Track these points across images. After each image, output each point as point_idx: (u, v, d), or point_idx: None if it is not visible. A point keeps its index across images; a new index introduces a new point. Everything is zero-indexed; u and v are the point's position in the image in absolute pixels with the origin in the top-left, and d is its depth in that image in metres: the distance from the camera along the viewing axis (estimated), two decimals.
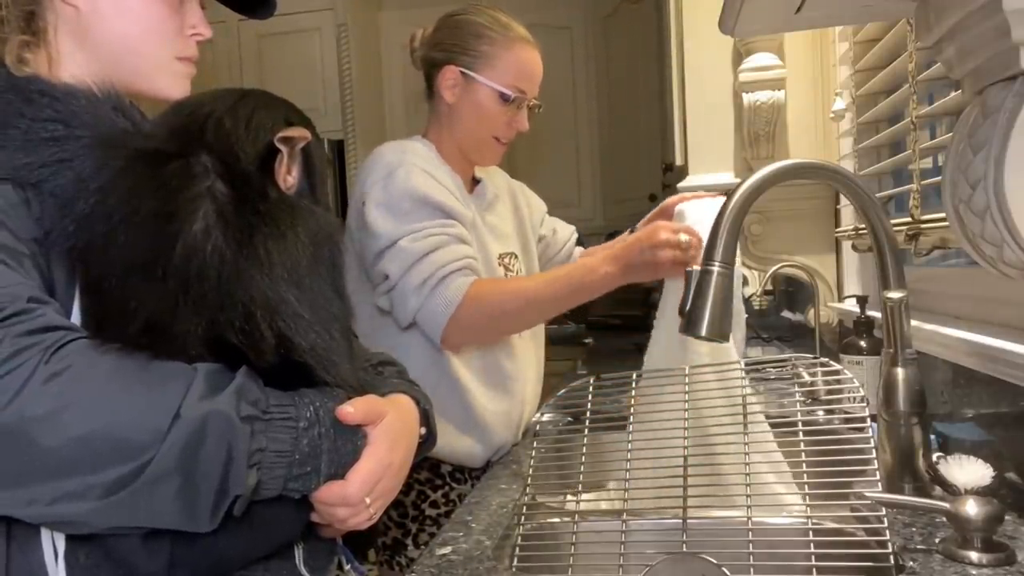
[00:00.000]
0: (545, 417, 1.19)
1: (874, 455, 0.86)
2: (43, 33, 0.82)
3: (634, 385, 1.07)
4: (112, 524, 0.67)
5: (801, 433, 0.92)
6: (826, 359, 1.04)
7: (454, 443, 1.37)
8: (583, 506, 1.06)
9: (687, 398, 1.00)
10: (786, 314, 2.59)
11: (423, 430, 0.91)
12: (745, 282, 2.04)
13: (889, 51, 1.52)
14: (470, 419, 1.39)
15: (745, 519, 0.87)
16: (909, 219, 1.30)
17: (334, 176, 3.42)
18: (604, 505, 1.09)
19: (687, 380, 1.03)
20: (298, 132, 0.80)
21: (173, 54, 0.88)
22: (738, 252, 1.10)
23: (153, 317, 0.69)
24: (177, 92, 0.88)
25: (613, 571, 0.88)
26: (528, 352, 1.52)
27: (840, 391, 1.07)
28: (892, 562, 0.77)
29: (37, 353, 0.62)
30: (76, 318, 0.72)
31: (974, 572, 0.76)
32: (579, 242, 1.70)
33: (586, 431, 1.04)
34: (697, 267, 0.97)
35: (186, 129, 0.77)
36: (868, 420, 0.90)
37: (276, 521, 0.74)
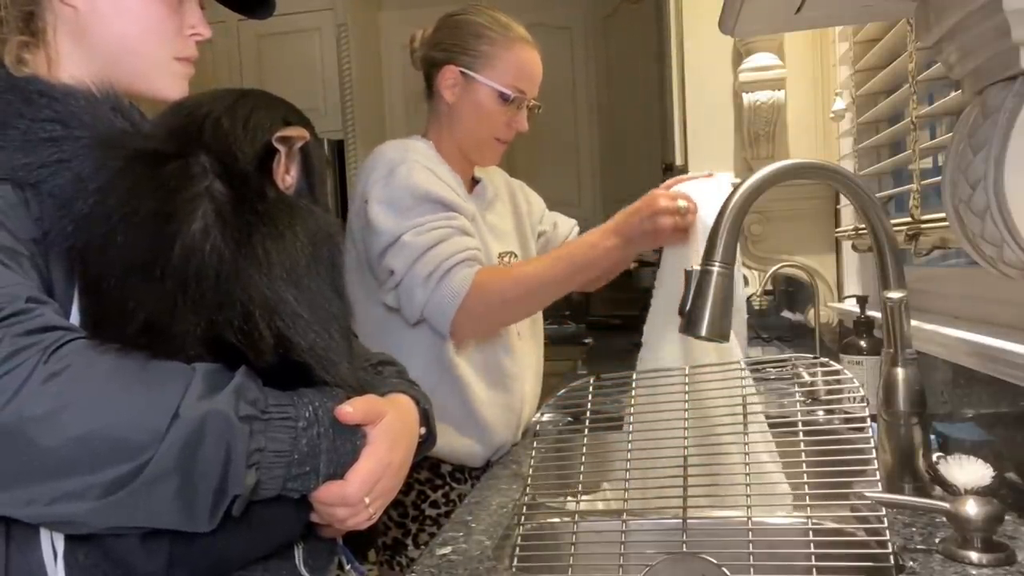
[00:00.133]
0: (545, 417, 1.19)
1: (874, 455, 0.85)
2: (42, 33, 0.82)
3: (634, 385, 1.07)
4: (111, 524, 0.66)
5: (801, 433, 0.92)
6: (826, 359, 1.04)
7: (454, 442, 1.37)
8: (583, 506, 1.06)
9: (687, 398, 1.00)
10: (786, 314, 2.59)
11: (423, 430, 0.91)
12: (745, 282, 2.04)
13: (889, 51, 1.52)
14: (471, 418, 1.39)
15: (745, 519, 0.87)
16: (909, 219, 1.30)
17: (334, 176, 3.41)
18: (604, 505, 1.09)
19: (687, 380, 1.03)
20: (296, 132, 0.80)
21: (172, 54, 0.88)
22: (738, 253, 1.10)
23: (152, 317, 0.69)
24: (176, 92, 0.88)
25: (613, 571, 0.88)
26: (528, 351, 1.52)
27: (840, 391, 1.07)
28: (892, 562, 0.77)
29: (36, 353, 0.62)
30: (75, 318, 0.72)
31: (974, 572, 0.76)
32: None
33: (586, 431, 1.04)
34: (697, 267, 0.97)
35: (184, 129, 0.77)
36: (868, 420, 0.90)
37: (275, 521, 0.74)
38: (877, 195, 1.19)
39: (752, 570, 0.81)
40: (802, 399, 1.05)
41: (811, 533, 0.82)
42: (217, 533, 0.68)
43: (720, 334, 0.96)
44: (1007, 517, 0.84)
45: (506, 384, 1.44)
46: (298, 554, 0.81)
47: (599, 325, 3.63)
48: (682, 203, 1.21)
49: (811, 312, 1.98)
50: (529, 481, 1.02)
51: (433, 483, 1.42)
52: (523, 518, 0.98)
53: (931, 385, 1.12)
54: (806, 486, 0.87)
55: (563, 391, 1.12)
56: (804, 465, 0.89)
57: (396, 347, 1.31)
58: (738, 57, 2.01)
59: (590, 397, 1.08)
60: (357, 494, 0.74)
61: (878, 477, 0.84)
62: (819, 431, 0.95)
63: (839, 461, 0.87)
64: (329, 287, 0.77)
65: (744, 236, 2.04)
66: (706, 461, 0.97)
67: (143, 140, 0.76)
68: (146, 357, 0.67)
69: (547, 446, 1.16)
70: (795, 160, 1.38)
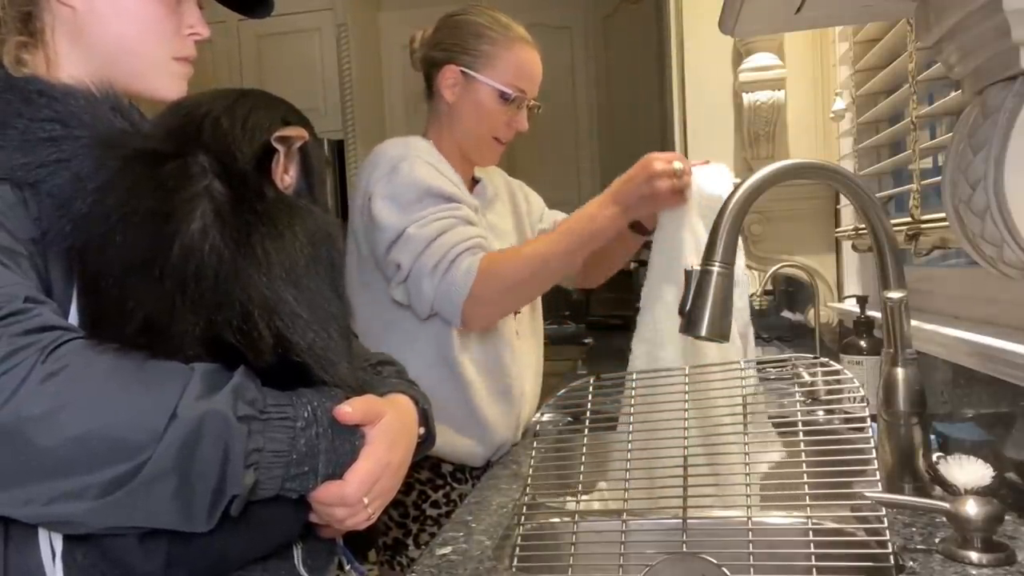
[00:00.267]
0: (545, 417, 1.19)
1: (874, 455, 0.85)
2: (40, 34, 0.82)
3: (634, 385, 1.07)
4: (109, 524, 0.66)
5: (801, 433, 0.92)
6: (826, 359, 1.04)
7: (455, 441, 1.38)
8: (583, 506, 1.06)
9: (687, 398, 1.00)
10: (786, 314, 2.58)
11: (422, 430, 0.91)
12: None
13: (889, 51, 1.52)
14: (472, 417, 1.39)
15: (745, 519, 0.87)
16: (909, 219, 1.30)
17: (334, 176, 3.41)
18: (604, 505, 1.09)
19: (687, 380, 1.03)
20: (295, 132, 0.80)
21: (170, 54, 0.88)
22: (742, 254, 1.10)
23: (151, 317, 0.68)
24: (174, 92, 0.88)
25: (613, 571, 0.88)
26: (528, 351, 1.52)
27: (840, 391, 1.07)
28: (892, 562, 0.77)
29: (34, 353, 0.62)
30: (73, 318, 0.72)
31: (974, 572, 0.76)
32: None
33: (586, 431, 1.04)
34: (697, 267, 0.97)
35: (183, 129, 0.77)
36: (868, 420, 0.90)
37: (274, 521, 0.74)
38: (877, 195, 1.19)
39: (752, 570, 0.81)
40: (802, 399, 1.05)
41: (811, 533, 0.82)
42: (215, 533, 0.68)
43: (720, 334, 0.96)
44: (1007, 517, 0.84)
45: (507, 384, 1.44)
46: (297, 554, 0.81)
47: (599, 325, 3.63)
48: (677, 164, 1.22)
49: (811, 312, 1.98)
50: (529, 481, 1.02)
51: (434, 483, 1.42)
52: (523, 518, 0.98)
53: (931, 385, 1.12)
54: (806, 486, 0.87)
55: (563, 391, 1.12)
56: (804, 465, 0.88)
57: (399, 346, 1.31)
58: (738, 57, 2.01)
59: (590, 397, 1.08)
60: (356, 494, 0.74)
61: (878, 477, 0.84)
62: (819, 431, 0.95)
63: (839, 461, 0.87)
64: (328, 287, 0.77)
65: (744, 236, 2.04)
66: (706, 461, 0.97)
67: (142, 140, 0.76)
68: (144, 357, 0.67)
69: (547, 446, 1.16)
70: (795, 160, 1.38)
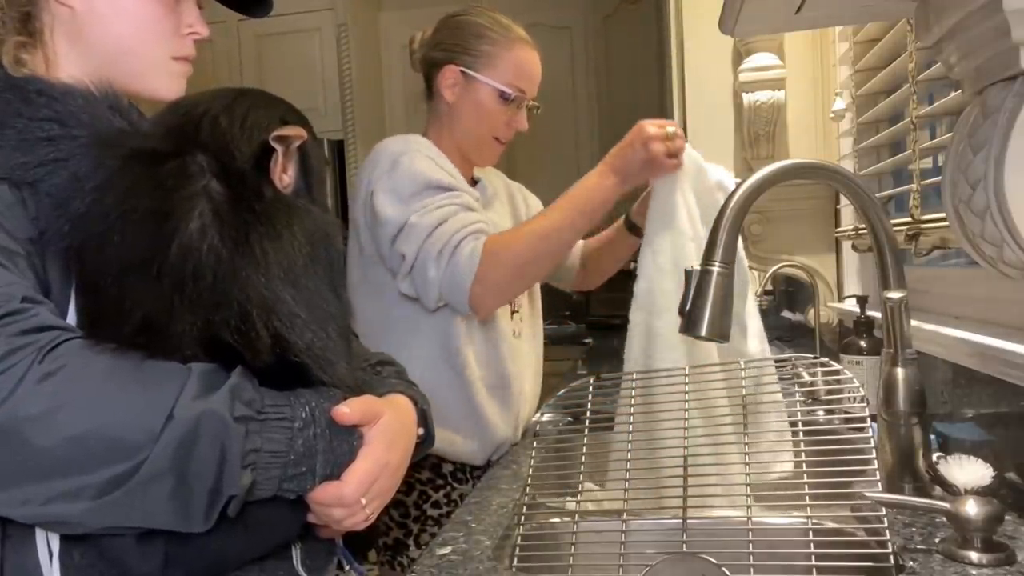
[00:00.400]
0: (545, 417, 1.19)
1: (874, 455, 0.85)
2: (39, 34, 0.82)
3: (634, 385, 1.07)
4: (106, 524, 0.66)
5: (801, 433, 0.92)
6: (826, 359, 1.04)
7: (455, 439, 1.38)
8: (583, 506, 1.06)
9: (687, 397, 1.00)
10: (786, 314, 2.58)
11: (421, 430, 0.91)
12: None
13: (889, 51, 1.52)
14: (472, 415, 1.39)
15: (745, 519, 0.87)
16: (909, 219, 1.30)
17: (334, 176, 3.41)
18: (603, 505, 1.09)
19: (687, 380, 1.03)
20: (293, 131, 0.80)
21: (169, 54, 0.88)
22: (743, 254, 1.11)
23: (149, 316, 0.68)
24: (173, 92, 0.88)
25: (613, 571, 0.88)
26: (528, 351, 1.52)
27: (840, 391, 1.07)
28: (892, 562, 0.77)
29: (31, 353, 0.62)
30: (72, 318, 0.72)
31: (974, 572, 0.76)
32: None
33: (586, 431, 1.04)
34: (697, 267, 0.97)
35: (182, 128, 0.77)
36: (868, 420, 0.90)
37: (272, 522, 0.73)
38: (877, 195, 1.19)
39: (752, 570, 0.81)
40: (802, 399, 1.05)
41: (811, 533, 0.82)
42: (213, 533, 0.68)
43: (720, 334, 0.96)
44: (1007, 517, 0.84)
45: (507, 382, 1.44)
46: (296, 554, 0.80)
47: (599, 325, 3.63)
48: (670, 128, 1.24)
49: (811, 312, 1.98)
50: (529, 481, 1.02)
51: (435, 483, 1.42)
52: (523, 518, 0.97)
53: (931, 385, 1.12)
54: (806, 486, 0.87)
55: (563, 391, 1.12)
56: (804, 465, 0.88)
57: (401, 343, 1.31)
58: (738, 57, 2.01)
59: (590, 397, 1.08)
60: (354, 494, 0.74)
61: (878, 477, 0.84)
62: (819, 431, 0.95)
63: (839, 461, 0.87)
64: (327, 286, 0.76)
65: (744, 236, 2.04)
66: (706, 461, 0.97)
67: (141, 139, 0.76)
68: (142, 357, 0.67)
69: (547, 446, 1.16)
70: (795, 160, 1.38)
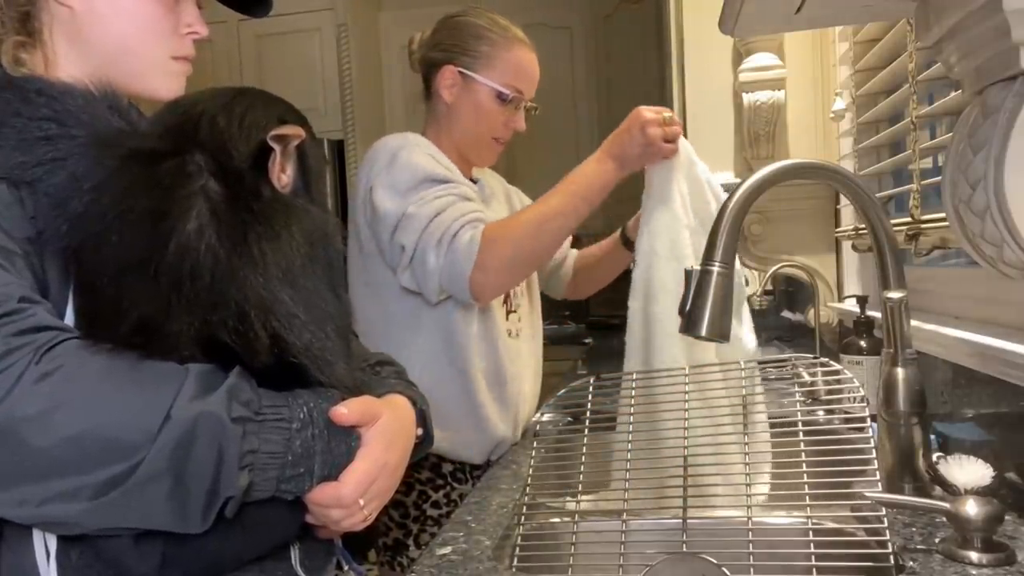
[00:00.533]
0: (545, 417, 1.19)
1: (874, 455, 0.85)
2: (39, 34, 0.82)
3: (633, 385, 1.07)
4: (103, 525, 0.66)
5: (801, 433, 0.91)
6: (826, 359, 1.04)
7: (455, 438, 1.38)
8: (583, 506, 1.06)
9: (687, 397, 1.00)
10: (786, 314, 2.58)
11: (420, 431, 0.91)
12: (745, 282, 2.04)
13: (889, 51, 1.52)
14: (472, 412, 1.39)
15: (745, 519, 0.87)
16: (909, 219, 1.30)
17: (334, 176, 3.41)
18: (603, 505, 1.09)
19: (687, 380, 1.03)
20: (291, 131, 0.79)
21: (168, 53, 0.88)
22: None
23: (146, 316, 0.68)
24: (173, 92, 0.88)
25: (613, 571, 0.88)
26: (527, 351, 1.52)
27: (840, 391, 1.07)
28: (892, 562, 0.77)
29: (28, 353, 0.62)
30: (70, 318, 0.71)
31: (974, 572, 0.76)
32: (573, 243, 1.70)
33: (586, 431, 1.04)
34: (697, 267, 0.97)
35: (180, 128, 0.77)
36: (868, 420, 0.89)
37: (269, 522, 0.73)
38: (877, 195, 1.19)
39: (752, 570, 0.81)
40: (802, 399, 1.05)
41: (811, 533, 0.82)
42: (211, 534, 0.68)
43: (720, 334, 0.96)
44: (1007, 517, 0.84)
45: (506, 381, 1.44)
46: (294, 555, 0.80)
47: (599, 325, 3.63)
48: (667, 113, 1.25)
49: (811, 312, 1.98)
50: (529, 481, 1.02)
51: (434, 483, 1.42)
52: (523, 518, 0.97)
53: (931, 385, 1.12)
54: (806, 486, 0.87)
55: (563, 391, 1.12)
56: (804, 465, 0.88)
57: (401, 342, 1.31)
58: (738, 57, 2.01)
59: (590, 397, 1.08)
60: (352, 495, 0.74)
61: (878, 477, 0.84)
62: (819, 431, 0.95)
63: (839, 461, 0.86)
64: (326, 286, 0.76)
65: (744, 236, 2.04)
66: (706, 461, 0.97)
67: (139, 139, 0.76)
68: (139, 357, 0.67)
69: (547, 446, 1.16)
70: (795, 160, 1.38)
